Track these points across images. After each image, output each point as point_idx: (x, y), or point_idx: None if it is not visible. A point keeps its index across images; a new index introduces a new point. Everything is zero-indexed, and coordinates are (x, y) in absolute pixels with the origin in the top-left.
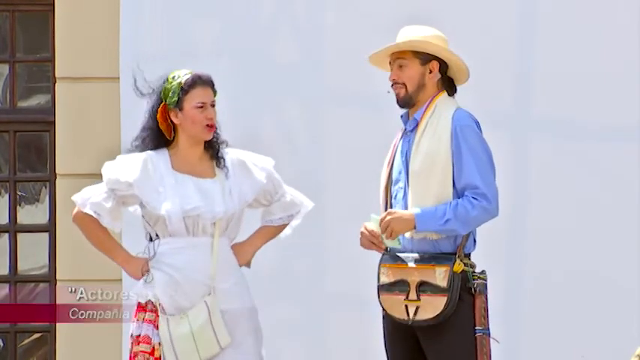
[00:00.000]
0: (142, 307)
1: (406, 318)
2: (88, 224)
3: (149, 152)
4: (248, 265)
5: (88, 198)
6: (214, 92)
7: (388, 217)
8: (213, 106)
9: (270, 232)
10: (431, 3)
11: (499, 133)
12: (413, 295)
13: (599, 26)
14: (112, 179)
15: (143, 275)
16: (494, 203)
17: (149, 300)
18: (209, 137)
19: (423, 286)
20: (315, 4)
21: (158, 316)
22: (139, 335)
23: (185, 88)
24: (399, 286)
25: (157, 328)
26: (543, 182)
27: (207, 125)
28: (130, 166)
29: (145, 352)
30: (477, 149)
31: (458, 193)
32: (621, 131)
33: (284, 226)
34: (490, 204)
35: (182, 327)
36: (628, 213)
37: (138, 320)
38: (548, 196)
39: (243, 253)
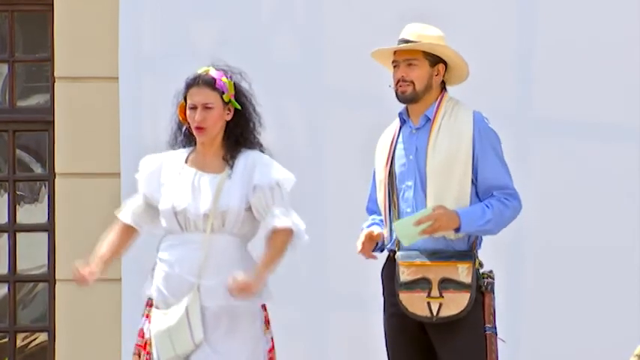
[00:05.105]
0: (148, 302)
1: (429, 315)
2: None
3: (175, 151)
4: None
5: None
6: (220, 93)
7: (440, 211)
8: (208, 108)
9: (266, 258)
10: (431, 2)
11: (500, 133)
12: (435, 292)
13: (599, 27)
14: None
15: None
16: (521, 203)
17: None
18: (201, 139)
19: (445, 283)
20: (315, 4)
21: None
22: (141, 328)
23: (186, 87)
24: (420, 283)
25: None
26: (544, 182)
27: (196, 127)
28: (145, 164)
29: (139, 345)
30: (499, 151)
31: (479, 193)
32: (621, 131)
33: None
34: (519, 204)
35: (162, 322)
36: (628, 214)
37: (144, 315)
38: (548, 196)
39: (254, 283)
